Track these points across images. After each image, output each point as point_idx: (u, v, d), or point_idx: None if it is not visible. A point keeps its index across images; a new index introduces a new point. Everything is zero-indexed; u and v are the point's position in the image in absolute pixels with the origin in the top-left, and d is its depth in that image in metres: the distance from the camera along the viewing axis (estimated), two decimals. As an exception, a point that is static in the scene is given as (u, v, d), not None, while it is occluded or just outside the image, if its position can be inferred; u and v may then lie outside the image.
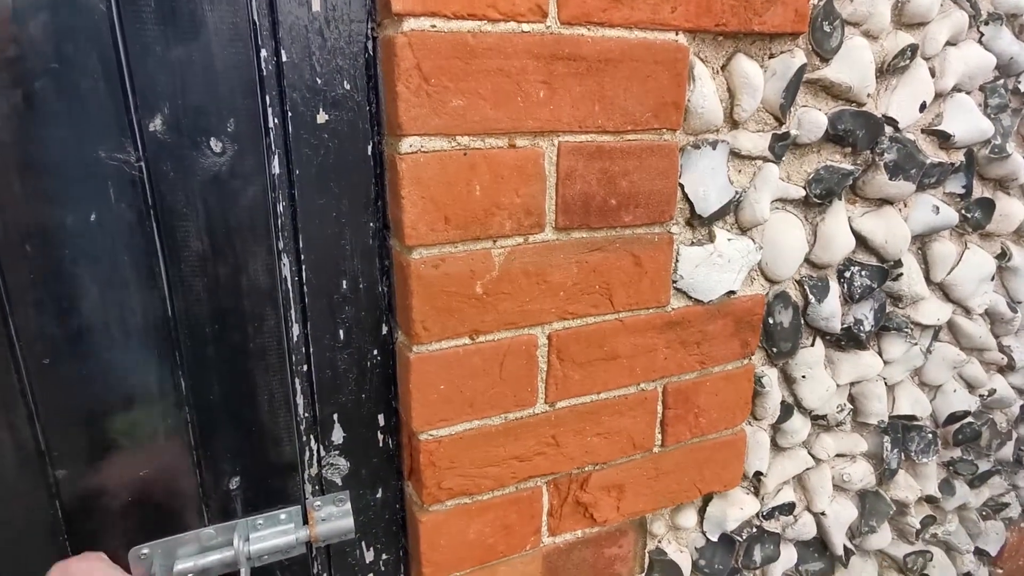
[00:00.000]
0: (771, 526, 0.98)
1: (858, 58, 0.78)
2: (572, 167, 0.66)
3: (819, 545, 1.05)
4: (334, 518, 0.70)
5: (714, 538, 0.94)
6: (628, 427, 0.79)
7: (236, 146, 0.58)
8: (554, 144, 0.65)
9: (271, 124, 0.59)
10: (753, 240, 0.80)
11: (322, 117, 0.61)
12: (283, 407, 0.67)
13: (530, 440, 0.73)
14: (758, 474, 0.93)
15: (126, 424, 0.61)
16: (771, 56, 0.75)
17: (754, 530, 0.97)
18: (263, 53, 0.57)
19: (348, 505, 0.71)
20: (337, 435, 0.70)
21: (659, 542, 0.90)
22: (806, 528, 1.01)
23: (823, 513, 1.01)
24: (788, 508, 0.97)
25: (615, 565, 0.86)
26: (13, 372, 0.56)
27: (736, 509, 0.93)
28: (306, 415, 0.68)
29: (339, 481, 0.72)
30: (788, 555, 1.01)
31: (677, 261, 0.76)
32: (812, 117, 0.79)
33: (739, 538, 0.96)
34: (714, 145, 0.74)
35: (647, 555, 0.89)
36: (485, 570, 0.76)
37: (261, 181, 0.60)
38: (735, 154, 0.77)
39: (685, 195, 0.74)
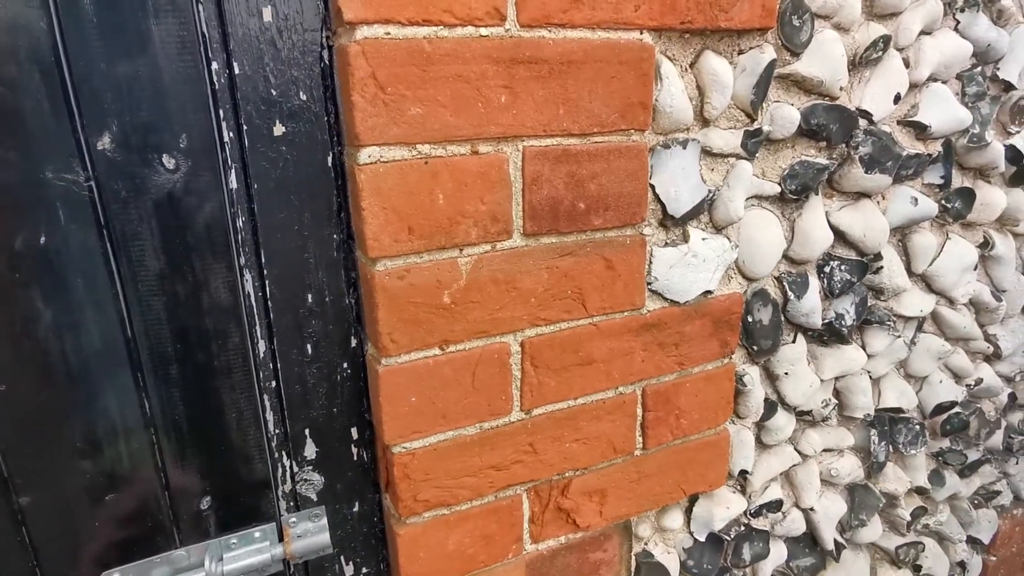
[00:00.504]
0: (759, 524, 0.96)
1: (829, 51, 0.76)
2: (538, 172, 0.64)
3: (809, 541, 1.04)
4: (310, 534, 0.68)
5: (701, 538, 0.92)
6: (608, 431, 0.77)
7: (190, 162, 0.57)
8: (518, 149, 0.63)
9: (226, 138, 0.57)
10: (728, 239, 0.78)
11: (279, 129, 0.59)
12: (252, 424, 0.65)
13: (507, 449, 0.72)
14: (743, 472, 0.91)
15: (89, 449, 0.60)
16: (740, 52, 0.74)
17: (742, 528, 0.95)
18: (214, 66, 0.56)
19: (324, 520, 0.69)
20: (310, 450, 0.68)
21: (645, 544, 0.89)
22: (795, 524, 0.99)
23: (812, 509, 1.00)
24: (776, 505, 0.96)
25: (601, 569, 0.84)
26: (-32, 400, 0.54)
27: (723, 508, 0.91)
28: (277, 431, 0.66)
29: (314, 496, 0.70)
30: (778, 552, 1.00)
31: (651, 263, 0.74)
32: (784, 112, 0.77)
33: (727, 537, 0.94)
34: (684, 144, 0.72)
35: (634, 558, 0.88)
36: (466, 581, 0.75)
37: (218, 197, 0.58)
38: (707, 152, 0.75)
39: (656, 196, 0.72)
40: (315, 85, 0.59)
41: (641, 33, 0.66)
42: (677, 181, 0.73)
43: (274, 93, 0.58)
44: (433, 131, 0.59)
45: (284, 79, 0.58)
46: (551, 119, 0.64)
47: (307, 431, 0.67)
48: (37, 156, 0.52)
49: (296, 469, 0.68)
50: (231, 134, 0.57)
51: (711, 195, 0.76)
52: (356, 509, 0.72)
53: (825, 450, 1.00)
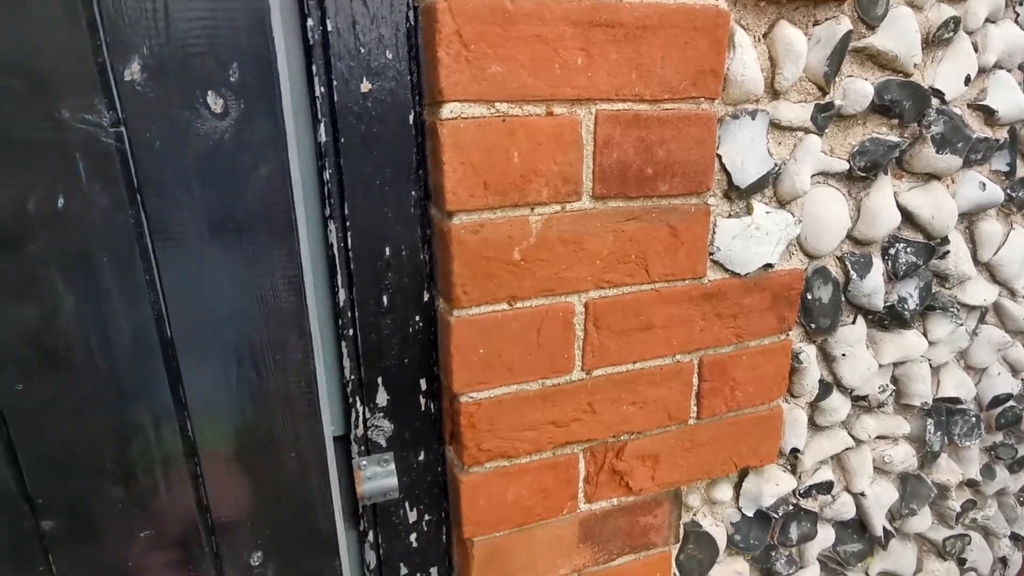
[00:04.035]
0: (808, 504, 0.91)
1: (904, 27, 0.71)
2: (609, 135, 0.62)
3: (858, 526, 0.98)
4: (379, 477, 0.68)
5: (750, 513, 0.88)
6: (664, 398, 0.74)
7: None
8: (591, 112, 0.61)
9: (318, 92, 0.57)
10: (792, 213, 0.74)
11: (365, 86, 0.58)
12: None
13: (567, 406, 0.69)
14: (795, 451, 0.87)
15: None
16: (815, 23, 0.70)
17: (791, 508, 0.91)
18: (310, 22, 0.55)
19: (392, 466, 0.69)
20: (381, 398, 0.67)
21: (694, 515, 0.85)
22: (845, 508, 0.93)
23: (862, 494, 0.94)
24: (826, 487, 0.90)
25: (650, 534, 0.81)
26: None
27: (772, 485, 0.86)
28: (352, 378, 0.66)
29: (384, 443, 0.69)
30: (826, 534, 0.94)
31: (714, 233, 0.71)
32: (858, 87, 0.72)
33: (775, 515, 0.90)
34: (753, 115, 0.69)
35: (682, 527, 0.84)
36: (523, 532, 0.73)
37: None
38: (775, 125, 0.71)
39: (723, 166, 0.69)
40: (400, 44, 0.59)
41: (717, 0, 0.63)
42: (744, 152, 0.69)
43: (362, 51, 0.58)
44: (511, 90, 0.58)
45: (372, 37, 0.57)
46: (624, 83, 0.61)
47: (380, 379, 0.67)
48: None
49: (368, 415, 0.68)
50: (322, 88, 0.57)
51: (777, 168, 0.72)
52: (421, 458, 0.71)
53: (879, 437, 0.94)
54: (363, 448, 0.69)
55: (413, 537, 0.74)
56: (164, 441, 0.59)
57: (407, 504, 0.73)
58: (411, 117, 0.60)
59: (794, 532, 0.91)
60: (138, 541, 0.60)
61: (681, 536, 0.85)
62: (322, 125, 0.58)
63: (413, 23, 0.58)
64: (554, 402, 0.69)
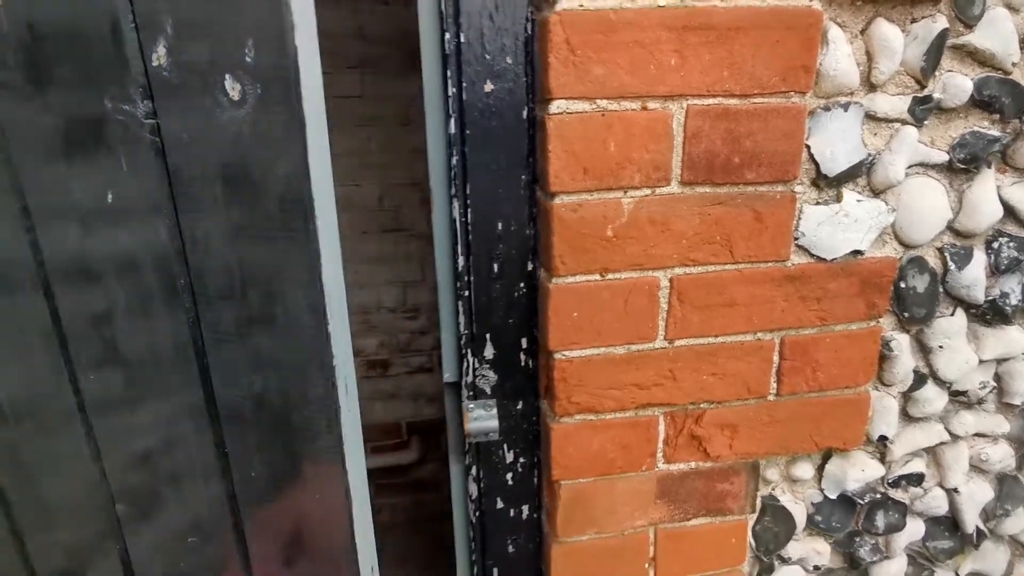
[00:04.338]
0: (897, 495, 0.92)
1: (1001, 28, 0.72)
2: (698, 127, 0.69)
3: (949, 523, 0.96)
4: (482, 419, 0.79)
5: (832, 496, 0.90)
6: (743, 371, 0.80)
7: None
8: (682, 107, 0.69)
9: (450, 92, 0.70)
10: (885, 202, 0.77)
11: (488, 86, 0.70)
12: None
13: (649, 371, 0.77)
14: (883, 439, 0.88)
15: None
16: (913, 21, 0.72)
17: (878, 496, 0.92)
18: (447, 35, 0.68)
19: (495, 411, 0.80)
20: (489, 352, 0.79)
21: (773, 489, 0.89)
22: (936, 503, 0.93)
23: (956, 490, 0.93)
24: (917, 479, 0.90)
25: (726, 500, 0.87)
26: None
27: (857, 470, 0.88)
28: (466, 332, 0.78)
29: (488, 391, 0.81)
30: (914, 527, 0.94)
31: (799, 218, 0.75)
32: (957, 82, 0.73)
33: (860, 501, 0.91)
34: (846, 107, 0.72)
35: (760, 499, 0.89)
36: (605, 480, 0.82)
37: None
38: (871, 117, 0.74)
39: (811, 155, 0.73)
40: (519, 51, 0.70)
41: (811, 0, 0.68)
42: (834, 142, 0.73)
43: (487, 58, 0.69)
44: (611, 88, 0.67)
45: (496, 46, 0.69)
46: (715, 80, 0.68)
47: (488, 335, 0.78)
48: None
49: (477, 366, 0.80)
50: (454, 89, 0.70)
51: (870, 158, 0.75)
52: (520, 407, 0.82)
53: (978, 434, 0.92)
54: (471, 394, 0.81)
55: (509, 476, 0.85)
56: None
57: (505, 446, 0.84)
58: (524, 112, 0.71)
59: (880, 521, 0.92)
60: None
61: (759, 508, 0.89)
62: (452, 119, 0.71)
63: (530, 33, 0.69)
64: (637, 366, 0.77)
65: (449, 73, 0.69)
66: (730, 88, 0.69)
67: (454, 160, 0.72)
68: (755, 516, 0.90)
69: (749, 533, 0.90)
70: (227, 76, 0.58)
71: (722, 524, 0.88)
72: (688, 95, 0.68)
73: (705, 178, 0.71)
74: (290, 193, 0.66)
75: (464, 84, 0.69)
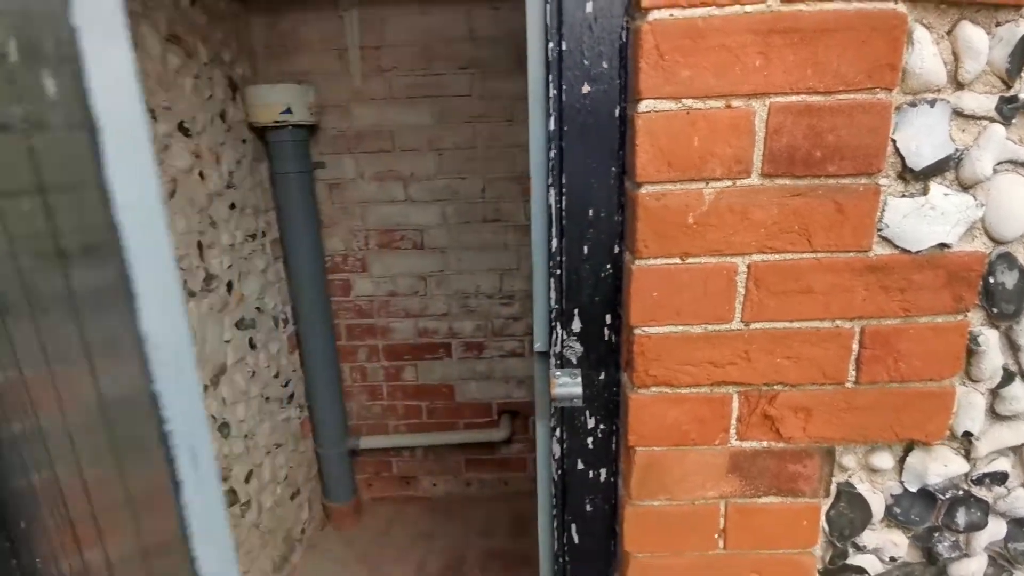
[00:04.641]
0: (980, 493, 0.91)
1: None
2: (780, 123, 0.74)
3: (1045, 530, 0.93)
4: (568, 386, 0.89)
5: (912, 489, 0.91)
6: (819, 357, 0.83)
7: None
8: (765, 105, 0.74)
9: (551, 94, 0.79)
10: (974, 197, 0.77)
11: (585, 88, 0.79)
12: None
13: (725, 350, 0.83)
14: (968, 435, 0.87)
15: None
16: (998, 24, 0.72)
17: (960, 492, 0.91)
18: (550, 44, 0.78)
19: (579, 379, 0.89)
20: (576, 325, 0.89)
21: (849, 476, 0.92)
22: (1019, 503, 0.90)
23: (1052, 495, 0.90)
24: (1001, 478, 0.89)
25: (798, 482, 0.90)
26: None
27: (940, 465, 0.89)
28: (556, 307, 0.88)
29: (574, 361, 0.90)
30: (996, 527, 0.92)
31: (883, 210, 0.78)
32: (1056, 77, 0.73)
33: (941, 496, 0.91)
34: (932, 104, 0.74)
35: (836, 484, 0.91)
36: (679, 451, 0.88)
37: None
38: (958, 113, 0.75)
39: (897, 149, 0.76)
40: (613, 56, 0.78)
41: (896, 3, 0.71)
42: (920, 138, 0.75)
43: (585, 63, 0.78)
44: (696, 89, 0.74)
45: (593, 52, 0.78)
46: (798, 79, 0.73)
47: (576, 311, 0.88)
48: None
49: (565, 338, 0.89)
50: (554, 91, 0.79)
51: (958, 154, 0.76)
52: (602, 377, 0.91)
53: (1081, 440, 0.89)
54: (558, 363, 0.91)
55: (590, 440, 0.94)
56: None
57: (587, 412, 0.93)
58: (616, 111, 0.80)
59: (961, 518, 0.92)
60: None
61: (834, 493, 0.92)
62: (552, 118, 0.80)
63: (624, 41, 0.77)
64: (713, 345, 0.83)
65: (551, 77, 0.79)
66: (813, 86, 0.73)
67: (552, 153, 0.82)
68: (829, 501, 0.92)
69: (822, 517, 0.93)
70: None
71: (793, 504, 0.92)
72: (771, 93, 0.74)
73: (785, 171, 0.76)
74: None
75: (564, 87, 0.79)
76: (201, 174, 1.80)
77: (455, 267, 2.46)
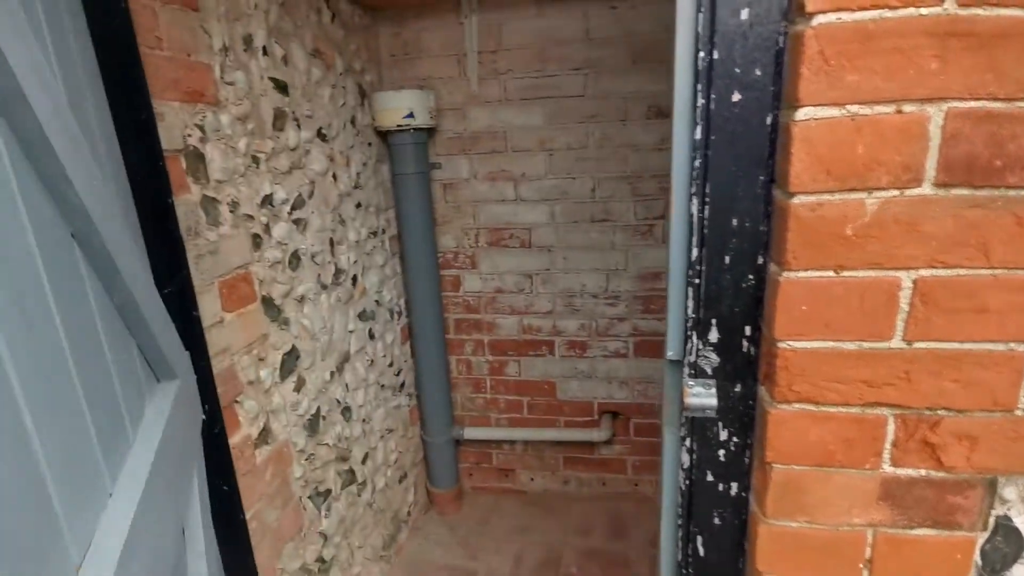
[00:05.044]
0: None
1: None
2: (957, 130, 0.69)
3: None
4: (702, 396, 0.88)
5: (1094, 533, 0.82)
6: (990, 382, 0.76)
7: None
8: (941, 110, 0.69)
9: (699, 103, 0.78)
10: None
11: (736, 96, 0.77)
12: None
13: (881, 369, 0.78)
14: None
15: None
16: None
17: None
18: (701, 54, 0.77)
19: (714, 390, 0.88)
20: (713, 335, 0.87)
21: (1008, 509, 0.83)
22: None
23: None
24: None
25: (956, 514, 0.83)
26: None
27: None
28: (693, 316, 0.87)
29: (709, 371, 0.89)
30: None
31: (1079, 225, 0.70)
32: None
33: None
34: None
35: (994, 517, 0.84)
36: (821, 471, 0.85)
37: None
38: None
39: (1099, 158, 0.68)
40: (768, 63, 0.76)
41: (1108, -4, 0.63)
42: None
43: (737, 71, 0.77)
44: (863, 93, 0.70)
45: (746, 60, 0.76)
46: (977, 84, 0.67)
47: (714, 321, 0.86)
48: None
49: (700, 347, 0.88)
50: (703, 100, 0.78)
51: None
52: (738, 389, 0.89)
53: None
54: (692, 372, 0.90)
55: (721, 452, 0.92)
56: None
57: (720, 424, 0.91)
58: (768, 119, 0.77)
59: None
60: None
61: (991, 526, 0.84)
62: (699, 127, 0.79)
63: (781, 46, 0.75)
64: (868, 363, 0.79)
65: (700, 86, 0.78)
66: (993, 92, 0.67)
67: (697, 162, 0.81)
68: (986, 535, 0.85)
69: (977, 551, 0.85)
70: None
71: (949, 538, 0.85)
72: (948, 98, 0.68)
73: (962, 180, 0.70)
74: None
75: (713, 96, 0.78)
76: (334, 176, 1.94)
77: (561, 266, 2.48)
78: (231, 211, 1.42)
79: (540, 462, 2.78)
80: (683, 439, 0.93)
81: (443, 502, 2.75)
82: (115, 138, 0.99)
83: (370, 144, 2.21)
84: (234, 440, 1.40)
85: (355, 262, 2.09)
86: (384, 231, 2.35)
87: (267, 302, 1.58)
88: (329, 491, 1.92)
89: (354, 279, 2.09)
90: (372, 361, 2.24)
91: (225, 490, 1.28)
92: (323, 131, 1.86)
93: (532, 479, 2.82)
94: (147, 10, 1.14)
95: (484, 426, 2.75)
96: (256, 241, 1.53)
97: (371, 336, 2.23)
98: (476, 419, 2.77)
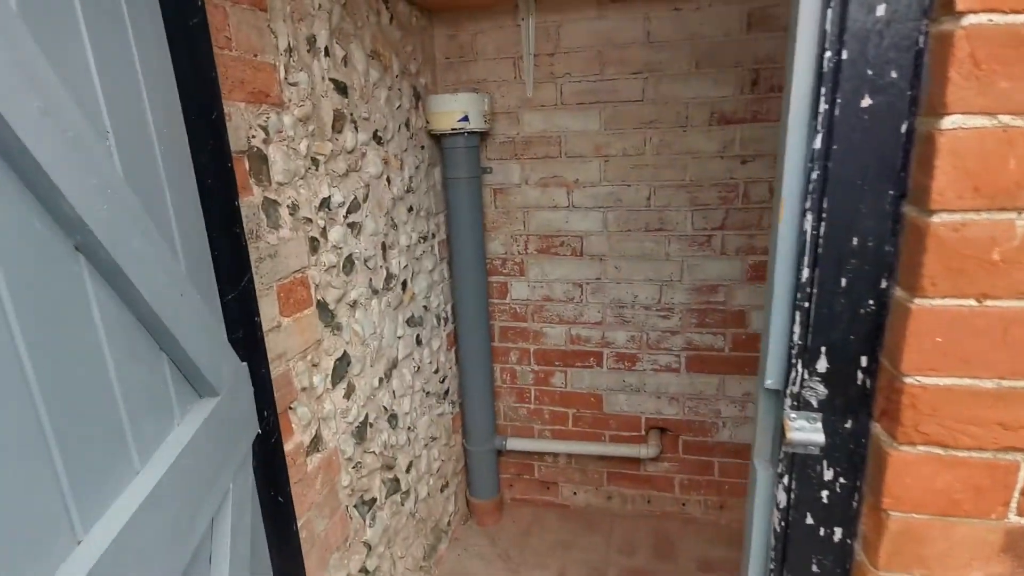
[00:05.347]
0: None
1: None
2: None
3: None
4: (805, 431, 0.80)
5: None
6: None
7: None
8: (1119, 119, 0.60)
9: (821, 108, 0.71)
10: None
11: (866, 101, 0.69)
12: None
13: (1021, 411, 0.69)
14: None
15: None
16: None
17: None
18: (827, 53, 0.69)
19: (820, 424, 0.80)
20: (821, 365, 0.79)
21: None
22: None
23: None
24: None
25: (1106, 578, 0.74)
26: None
27: None
28: (799, 343, 0.79)
29: (815, 404, 0.81)
30: None
31: None
32: None
33: None
34: None
35: None
36: (942, 521, 0.76)
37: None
38: None
39: None
40: (905, 65, 0.68)
41: None
42: None
43: (869, 73, 0.69)
44: (1016, 104, 0.62)
45: (880, 61, 0.68)
46: None
47: (823, 349, 0.78)
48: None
49: (806, 377, 0.80)
50: (826, 105, 0.71)
51: None
52: (848, 425, 0.81)
53: None
54: (795, 404, 0.82)
55: (824, 494, 0.84)
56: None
57: (825, 462, 0.83)
58: (903, 126, 0.69)
59: None
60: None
61: None
62: (819, 135, 0.72)
63: (921, 47, 0.67)
64: (1007, 403, 0.70)
65: (824, 89, 0.70)
66: None
67: (814, 174, 0.73)
68: None
69: None
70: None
71: (1090, 602, 0.75)
72: None
73: None
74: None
75: (839, 100, 0.70)
76: (388, 179, 1.90)
77: (613, 276, 2.41)
78: (291, 214, 1.39)
79: (583, 476, 2.71)
80: (780, 476, 0.85)
81: (483, 513, 2.69)
82: (185, 139, 0.96)
83: (423, 147, 2.18)
84: (287, 448, 1.37)
85: (405, 267, 2.05)
86: (434, 235, 2.31)
87: (321, 307, 1.55)
88: (374, 500, 1.88)
89: (403, 284, 2.05)
90: (418, 368, 2.20)
91: (280, 501, 1.24)
92: (379, 134, 1.83)
93: (575, 493, 2.74)
94: (219, 10, 1.12)
95: (527, 437, 2.69)
96: (313, 244, 1.50)
97: (418, 342, 2.19)
98: (519, 429, 2.70)
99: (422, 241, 2.20)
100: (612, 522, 2.67)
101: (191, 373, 0.89)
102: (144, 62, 0.82)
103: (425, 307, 2.25)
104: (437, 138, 2.24)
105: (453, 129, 2.12)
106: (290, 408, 1.40)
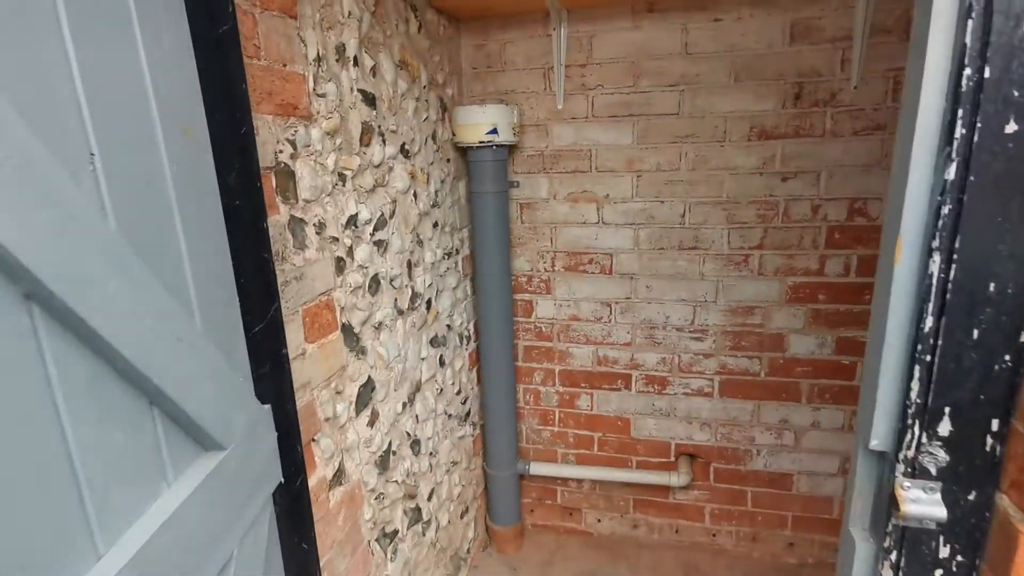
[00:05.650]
0: None
1: None
2: None
3: None
4: (923, 503, 0.69)
5: None
6: None
7: (921, 154, 0.62)
8: None
9: (957, 134, 0.61)
10: None
11: (1011, 127, 0.59)
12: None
13: None
14: None
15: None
16: None
17: None
18: (967, 71, 0.59)
19: (938, 495, 0.69)
20: (944, 428, 0.68)
21: None
22: None
23: None
24: None
25: None
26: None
27: None
28: (918, 401, 0.68)
29: (933, 471, 0.70)
30: None
31: None
32: None
33: None
34: None
35: None
36: (1094, 616, 0.65)
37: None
38: None
39: None
40: (1065, 85, 0.57)
41: None
42: None
43: (1015, 94, 0.58)
44: None
45: (1034, 80, 0.58)
46: None
47: (947, 409, 0.68)
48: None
49: (924, 440, 0.69)
50: (963, 131, 0.60)
51: None
52: (971, 497, 0.70)
53: None
54: (909, 470, 0.71)
55: (938, 573, 0.73)
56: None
57: (941, 538, 0.72)
58: (1060, 157, 0.59)
59: None
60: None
61: None
62: (953, 164, 0.61)
63: (1088, 62, 0.57)
64: None
65: (960, 113, 0.60)
66: None
67: (945, 209, 0.63)
68: None
69: None
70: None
71: None
72: None
73: None
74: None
75: (979, 124, 0.60)
76: (415, 195, 1.81)
77: (643, 295, 2.30)
78: (317, 233, 1.30)
79: (608, 503, 2.59)
80: (887, 552, 0.74)
81: (503, 540, 2.57)
82: (209, 155, 0.87)
83: (448, 160, 2.08)
84: (310, 484, 1.27)
85: (430, 285, 1.96)
86: (458, 251, 2.21)
87: (346, 330, 1.45)
88: (396, 531, 1.77)
89: (428, 303, 1.95)
90: (441, 389, 2.09)
91: (304, 548, 1.14)
92: (406, 147, 1.74)
93: (599, 520, 2.62)
94: (248, 16, 1.03)
95: (551, 461, 2.58)
96: (339, 264, 1.40)
97: (441, 363, 2.09)
98: (542, 453, 2.59)
99: (446, 257, 2.11)
100: (638, 552, 2.55)
101: (190, 428, 0.78)
102: (156, 73, 0.72)
103: (448, 326, 2.15)
104: (463, 151, 2.15)
105: (481, 142, 2.03)
106: (313, 440, 1.30)
